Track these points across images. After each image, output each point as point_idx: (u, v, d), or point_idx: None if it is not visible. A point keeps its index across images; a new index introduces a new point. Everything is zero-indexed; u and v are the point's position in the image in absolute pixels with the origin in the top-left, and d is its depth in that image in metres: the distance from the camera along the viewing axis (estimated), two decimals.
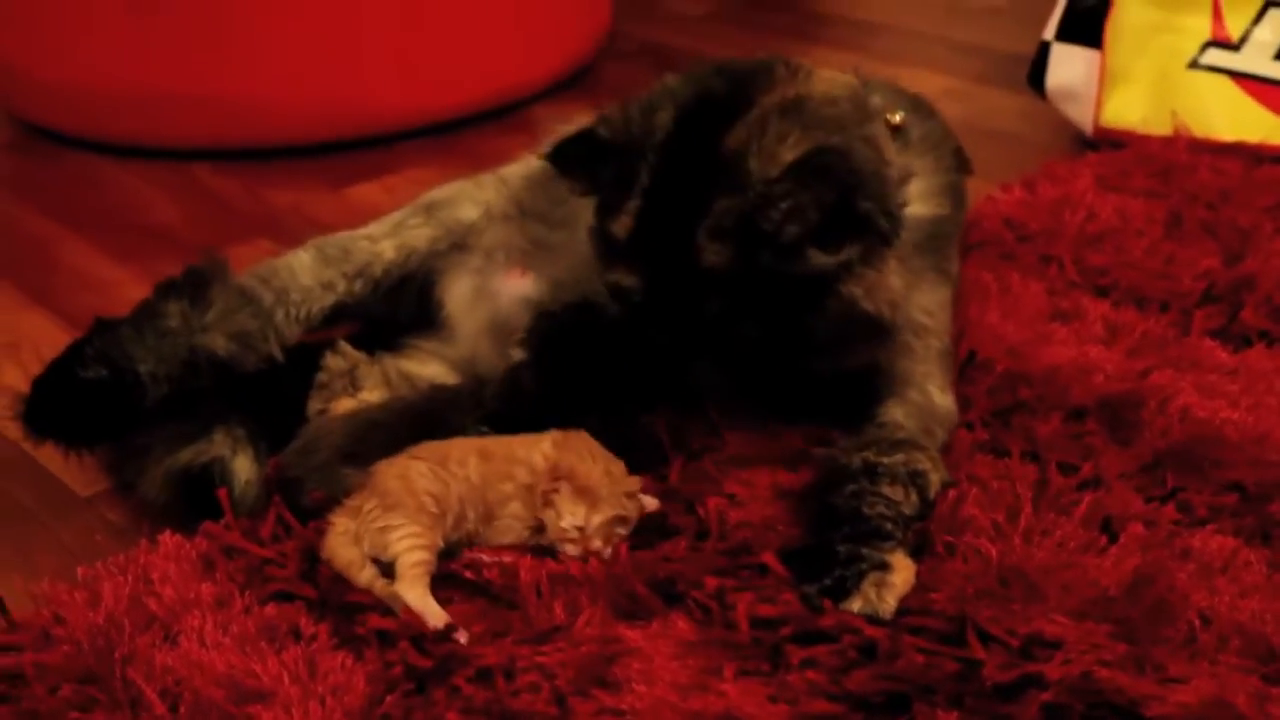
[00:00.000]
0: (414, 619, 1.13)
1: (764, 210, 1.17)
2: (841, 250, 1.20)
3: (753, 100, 1.23)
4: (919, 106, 1.48)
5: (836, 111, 1.25)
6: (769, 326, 1.22)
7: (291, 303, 1.48)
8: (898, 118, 1.35)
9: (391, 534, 1.18)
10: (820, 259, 1.19)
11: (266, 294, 1.47)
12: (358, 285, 1.52)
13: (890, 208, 1.23)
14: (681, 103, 1.26)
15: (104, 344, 1.36)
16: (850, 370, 1.32)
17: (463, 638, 1.12)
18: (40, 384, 1.36)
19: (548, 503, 1.22)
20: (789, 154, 1.19)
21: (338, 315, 1.52)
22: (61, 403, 1.35)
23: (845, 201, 1.18)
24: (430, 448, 1.26)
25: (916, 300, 1.36)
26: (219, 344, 1.41)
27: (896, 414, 1.33)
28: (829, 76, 1.29)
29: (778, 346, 1.23)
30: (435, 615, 1.13)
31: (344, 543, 1.19)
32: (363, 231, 1.57)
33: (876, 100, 1.37)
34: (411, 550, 1.17)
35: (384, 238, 1.55)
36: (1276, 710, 1.01)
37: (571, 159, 1.29)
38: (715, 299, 1.21)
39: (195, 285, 1.43)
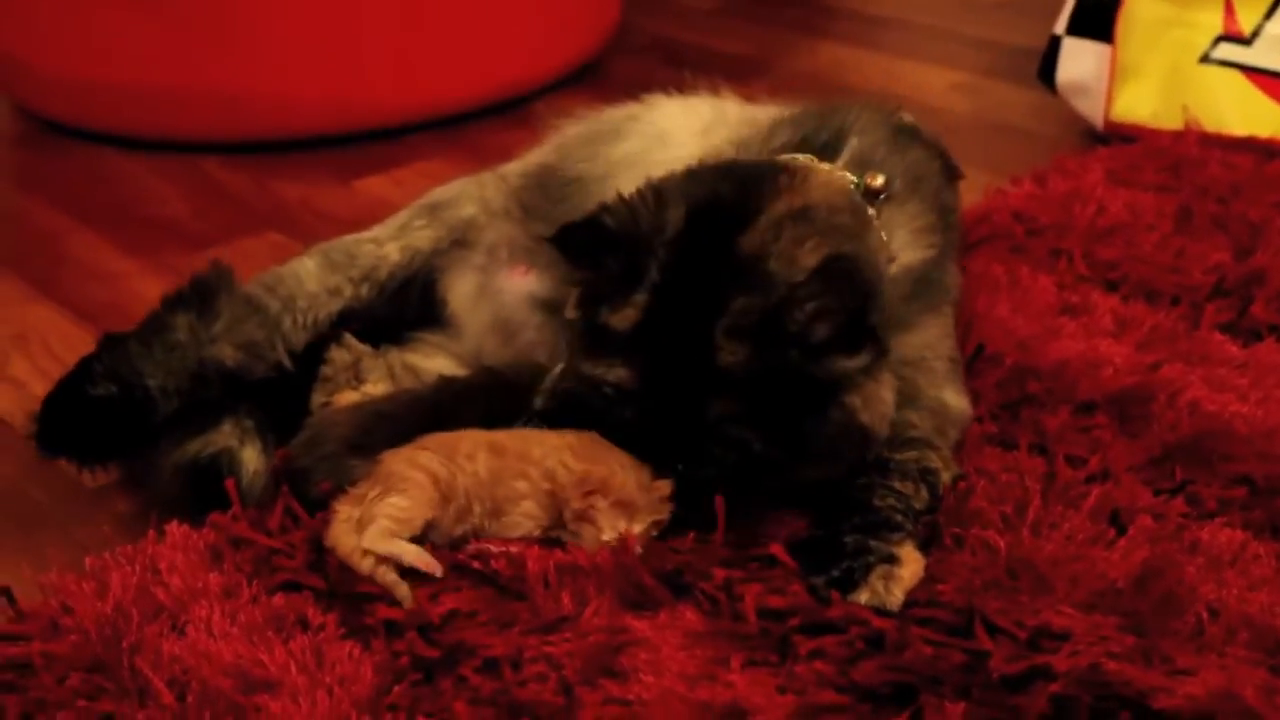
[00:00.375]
0: (423, 604, 1.13)
1: (790, 311, 1.16)
2: (858, 356, 1.19)
3: (761, 207, 1.23)
4: (901, 132, 1.45)
5: (842, 221, 1.26)
6: (769, 432, 1.20)
7: (298, 310, 1.48)
8: (879, 180, 1.35)
9: (383, 508, 1.18)
10: (841, 363, 1.19)
11: (273, 302, 1.47)
12: (364, 290, 1.52)
13: (884, 320, 1.25)
14: (693, 203, 1.25)
15: (113, 360, 1.38)
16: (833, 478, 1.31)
17: (437, 572, 1.15)
18: (51, 402, 1.37)
19: (584, 518, 1.22)
20: (809, 258, 1.19)
21: (344, 319, 1.52)
22: (72, 421, 1.36)
23: (862, 310, 1.19)
24: (439, 439, 1.26)
25: (909, 340, 1.35)
26: (227, 354, 1.42)
27: (910, 415, 1.32)
28: (825, 180, 1.30)
29: (773, 453, 1.21)
30: (411, 553, 1.15)
31: (347, 530, 1.19)
32: (368, 235, 1.57)
33: (855, 144, 1.38)
34: (387, 518, 1.18)
35: (389, 240, 1.55)
36: None
37: (577, 245, 1.27)
38: (719, 401, 1.19)
39: (202, 296, 1.44)
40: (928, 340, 1.38)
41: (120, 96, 2.32)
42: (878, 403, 1.23)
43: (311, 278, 1.51)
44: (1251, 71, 2.15)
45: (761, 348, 1.18)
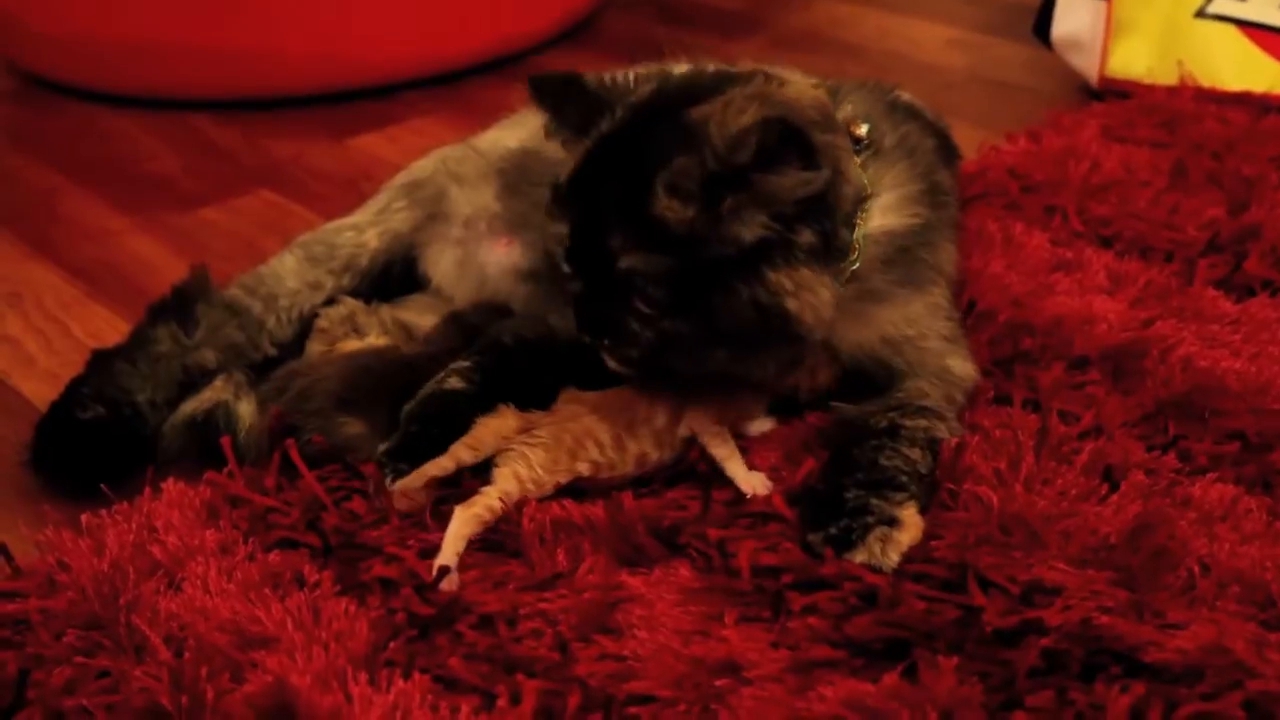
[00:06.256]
0: (418, 562, 1.14)
1: (719, 155, 1.14)
2: (814, 174, 1.15)
3: (724, 89, 1.22)
4: (896, 108, 1.44)
5: (800, 107, 1.22)
6: (676, 300, 1.18)
7: (280, 308, 1.50)
8: (862, 129, 1.33)
9: (509, 465, 1.21)
10: (772, 183, 1.14)
11: (254, 304, 1.49)
12: (345, 279, 1.54)
13: (841, 222, 1.23)
14: (667, 83, 1.27)
15: (100, 382, 1.39)
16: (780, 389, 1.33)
17: (452, 585, 1.13)
18: (42, 428, 1.37)
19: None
20: (745, 119, 1.14)
21: (328, 304, 1.53)
22: (64, 445, 1.36)
23: (801, 133, 1.15)
24: (620, 403, 1.27)
25: (888, 316, 1.34)
26: (209, 359, 1.44)
27: (921, 385, 1.32)
28: (801, 89, 1.28)
29: (680, 328, 1.19)
30: (444, 556, 1.14)
31: (487, 433, 1.23)
32: (349, 221, 1.57)
33: (848, 110, 1.36)
34: (494, 498, 1.19)
35: (369, 226, 1.56)
36: (1274, 655, 1.01)
37: (548, 91, 1.28)
38: (633, 254, 1.18)
39: (183, 305, 1.46)
40: (910, 316, 1.35)
41: (112, 53, 2.31)
42: (811, 293, 1.19)
43: (291, 274, 1.52)
44: (1247, 26, 2.15)
45: (696, 203, 1.15)
